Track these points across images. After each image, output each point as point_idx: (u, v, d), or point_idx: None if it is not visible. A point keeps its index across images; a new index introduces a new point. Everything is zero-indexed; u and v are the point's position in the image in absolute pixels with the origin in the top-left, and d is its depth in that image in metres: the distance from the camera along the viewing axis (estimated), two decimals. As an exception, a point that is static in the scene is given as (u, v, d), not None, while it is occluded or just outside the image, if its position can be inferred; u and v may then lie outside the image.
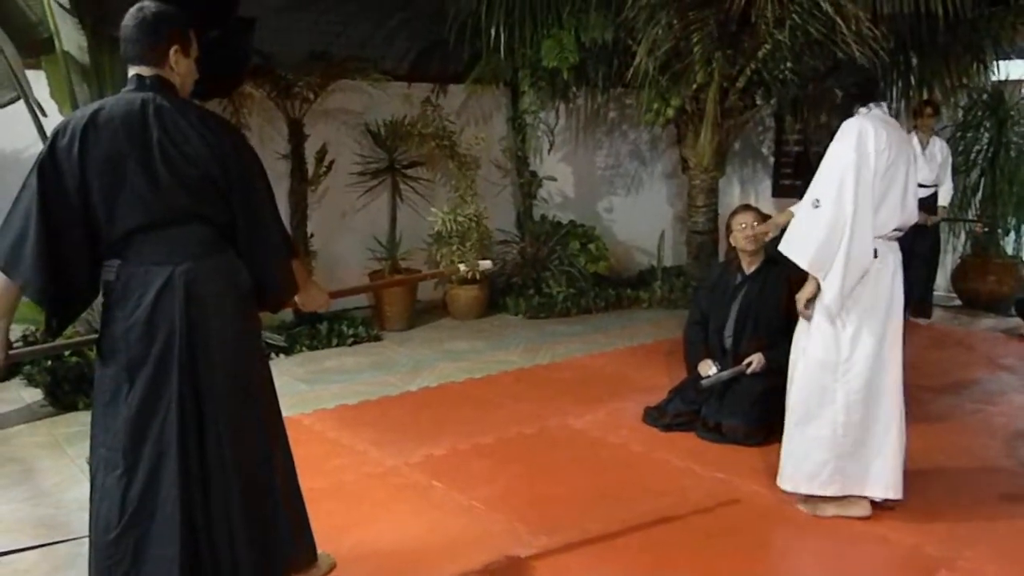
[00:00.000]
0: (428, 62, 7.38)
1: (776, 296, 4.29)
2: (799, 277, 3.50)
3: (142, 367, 2.30)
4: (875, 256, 3.32)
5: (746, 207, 4.56)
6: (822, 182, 3.30)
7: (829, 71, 3.81)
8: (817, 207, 3.28)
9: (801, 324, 3.51)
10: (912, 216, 3.46)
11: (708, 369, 4.36)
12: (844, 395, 3.36)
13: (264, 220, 2.47)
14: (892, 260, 3.42)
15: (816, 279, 3.33)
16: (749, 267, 4.43)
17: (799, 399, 3.45)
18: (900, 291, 3.44)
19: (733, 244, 4.47)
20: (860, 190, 3.23)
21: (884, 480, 3.38)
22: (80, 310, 2.46)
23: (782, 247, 3.44)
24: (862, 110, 3.37)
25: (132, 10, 2.38)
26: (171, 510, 2.28)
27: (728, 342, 4.45)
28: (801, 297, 3.41)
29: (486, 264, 3.76)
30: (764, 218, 4.44)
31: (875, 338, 3.36)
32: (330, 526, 3.10)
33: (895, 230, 3.41)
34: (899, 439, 3.39)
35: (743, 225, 4.35)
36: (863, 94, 3.40)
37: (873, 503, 3.42)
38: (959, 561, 3.07)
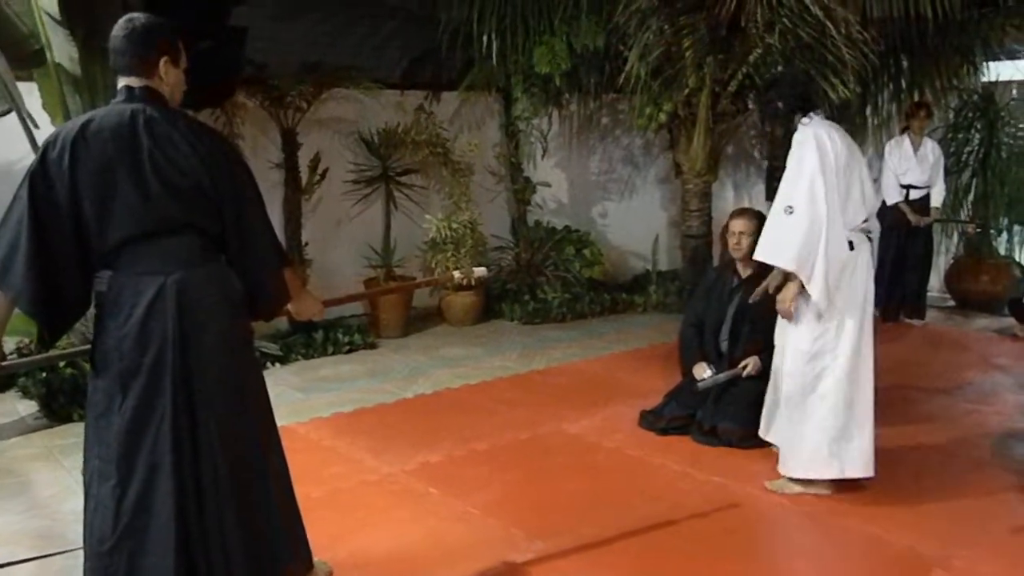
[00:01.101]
0: (421, 70, 7.38)
1: (771, 300, 4.30)
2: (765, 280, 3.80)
3: (135, 377, 2.30)
4: (851, 248, 3.54)
5: (742, 211, 4.57)
6: (792, 189, 3.51)
7: (769, 85, 3.99)
8: (791, 213, 3.48)
9: (782, 320, 3.69)
10: (874, 207, 3.75)
11: (703, 372, 4.37)
12: (832, 381, 3.56)
13: (255, 229, 2.48)
14: (866, 251, 3.64)
15: (798, 280, 3.51)
16: (744, 271, 4.45)
17: (790, 390, 3.63)
18: (872, 282, 3.66)
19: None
20: (829, 191, 3.45)
21: (864, 460, 3.60)
22: (72, 321, 2.46)
23: (759, 255, 3.64)
24: (804, 120, 3.60)
25: (121, 21, 2.39)
26: (166, 520, 2.28)
27: (724, 345, 4.46)
28: (785, 297, 3.58)
29: (481, 271, 3.80)
30: (760, 219, 4.43)
31: (855, 326, 3.56)
32: (326, 534, 3.10)
33: (864, 222, 3.63)
34: (872, 421, 3.62)
35: (733, 233, 4.38)
36: (802, 105, 3.63)
37: (844, 483, 3.63)
38: (954, 560, 3.08)
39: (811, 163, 3.46)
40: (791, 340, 3.63)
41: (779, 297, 3.62)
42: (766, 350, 4.24)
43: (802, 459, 3.61)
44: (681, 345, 4.67)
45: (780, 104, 3.71)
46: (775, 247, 3.55)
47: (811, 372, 3.57)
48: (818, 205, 3.43)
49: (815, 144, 3.47)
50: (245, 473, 2.42)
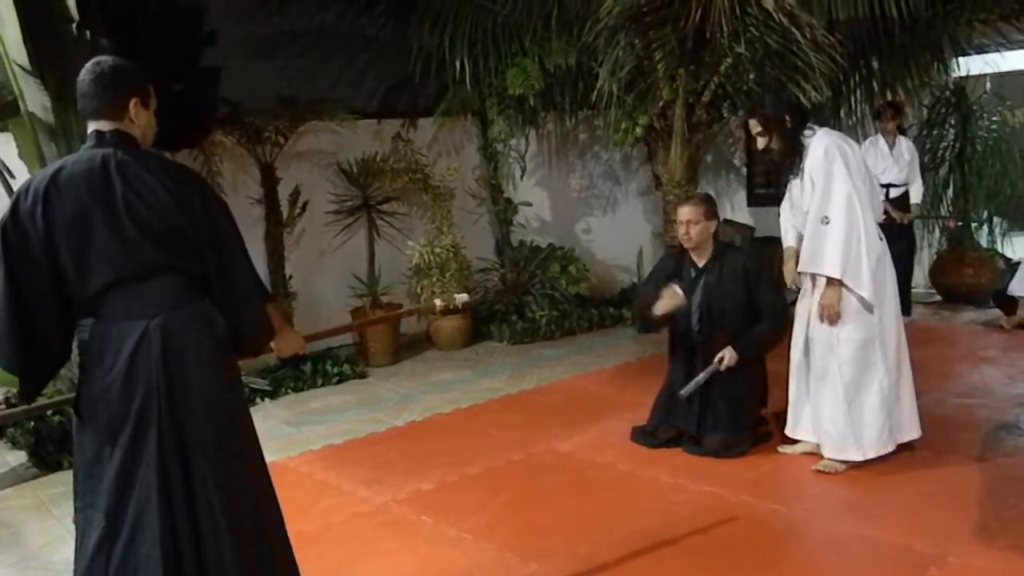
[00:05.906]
0: (397, 98, 7.42)
1: (734, 286, 4.25)
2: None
3: (123, 426, 2.27)
4: (881, 239, 3.85)
5: (689, 198, 4.57)
6: (825, 200, 3.72)
7: (756, 105, 4.15)
8: (827, 223, 3.69)
9: (805, 311, 3.95)
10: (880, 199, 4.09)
11: (671, 292, 4.22)
12: (883, 361, 3.83)
13: (235, 266, 2.45)
14: (883, 237, 3.94)
15: (837, 286, 3.71)
16: (700, 260, 4.36)
17: (849, 378, 3.84)
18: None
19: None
20: (859, 194, 3.72)
21: (911, 424, 3.97)
22: (53, 373, 2.45)
23: (806, 267, 3.83)
24: (806, 132, 3.85)
25: (88, 65, 2.36)
26: (153, 571, 2.25)
27: (697, 337, 4.35)
28: (831, 303, 3.75)
29: (463, 297, 3.79)
30: (709, 204, 4.37)
31: (892, 305, 3.89)
32: (320, 570, 3.09)
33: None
34: (911, 383, 3.99)
35: (680, 223, 4.30)
36: (797, 115, 3.95)
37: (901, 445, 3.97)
38: (949, 557, 3.09)
39: (839, 172, 3.69)
40: (844, 333, 3.81)
41: (824, 303, 3.79)
42: (737, 338, 4.20)
43: (864, 444, 3.83)
44: (636, 300, 4.62)
45: (787, 118, 3.90)
46: (817, 257, 3.75)
47: (867, 358, 3.81)
48: (854, 211, 3.66)
49: (838, 153, 3.71)
50: (239, 513, 2.39)
